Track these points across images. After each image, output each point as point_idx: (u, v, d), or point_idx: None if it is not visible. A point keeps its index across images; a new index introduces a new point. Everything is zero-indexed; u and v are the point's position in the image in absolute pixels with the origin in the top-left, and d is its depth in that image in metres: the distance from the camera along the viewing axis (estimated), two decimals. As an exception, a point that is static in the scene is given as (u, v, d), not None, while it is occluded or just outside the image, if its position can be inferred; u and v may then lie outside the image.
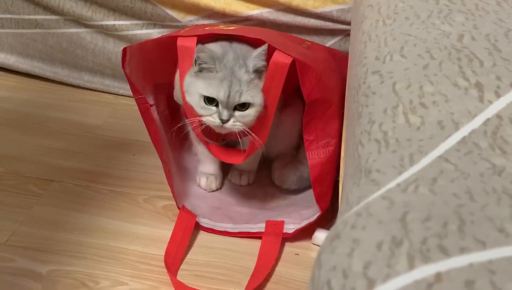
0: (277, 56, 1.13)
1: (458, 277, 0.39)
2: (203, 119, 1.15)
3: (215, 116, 1.14)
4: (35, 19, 1.62)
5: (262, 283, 1.15)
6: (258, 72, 1.14)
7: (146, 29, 1.58)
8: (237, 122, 1.14)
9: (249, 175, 1.38)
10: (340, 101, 1.23)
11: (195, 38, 1.16)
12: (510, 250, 0.41)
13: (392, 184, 0.55)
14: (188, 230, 1.23)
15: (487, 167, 0.54)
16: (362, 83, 0.78)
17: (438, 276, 0.40)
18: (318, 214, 1.23)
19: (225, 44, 1.18)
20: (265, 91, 1.15)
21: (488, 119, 0.61)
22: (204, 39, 1.18)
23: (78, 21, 1.60)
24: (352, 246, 0.45)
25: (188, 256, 1.20)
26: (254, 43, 1.17)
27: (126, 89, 1.59)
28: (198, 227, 1.26)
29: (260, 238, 1.24)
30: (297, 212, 1.28)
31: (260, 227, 1.25)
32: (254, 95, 1.14)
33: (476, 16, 0.82)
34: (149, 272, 1.16)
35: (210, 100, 1.14)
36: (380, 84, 0.73)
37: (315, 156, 1.21)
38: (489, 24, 0.79)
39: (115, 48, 1.62)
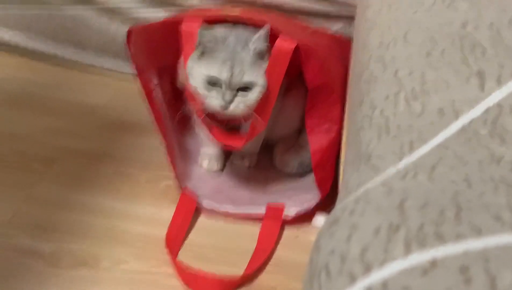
0: (281, 41, 1.14)
1: (453, 264, 0.40)
2: (207, 101, 1.15)
3: (219, 96, 1.14)
4: (40, -2, 1.63)
5: (261, 266, 1.16)
6: (260, 53, 1.14)
7: (153, 7, 1.58)
8: (240, 104, 1.15)
9: (251, 158, 1.38)
10: (343, 88, 1.23)
11: (200, 22, 1.17)
12: (505, 238, 0.42)
13: (392, 170, 0.55)
14: (189, 212, 1.24)
15: (486, 155, 0.55)
16: (365, 69, 0.78)
17: (434, 262, 0.40)
18: (318, 198, 1.24)
19: (227, 26, 1.18)
20: (268, 74, 1.15)
21: (488, 108, 0.61)
22: (208, 22, 1.18)
23: (83, 0, 1.60)
24: (350, 231, 0.46)
25: (189, 237, 1.21)
26: (258, 27, 1.18)
27: (130, 69, 1.59)
28: (199, 209, 1.27)
29: (260, 220, 1.25)
30: (298, 196, 1.29)
31: (260, 209, 1.26)
32: (257, 75, 1.13)
33: (480, 4, 0.82)
34: (150, 251, 1.17)
35: (213, 83, 1.14)
36: (382, 71, 0.73)
37: (317, 141, 1.21)
38: (493, 12, 0.79)
39: (120, 28, 1.62)
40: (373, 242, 0.44)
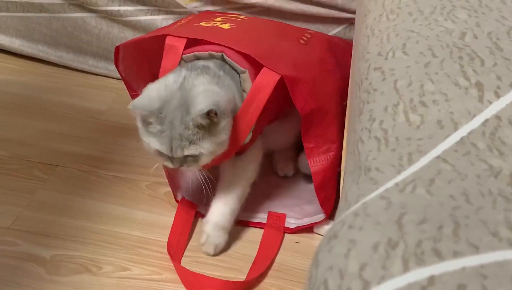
0: (262, 77, 1.10)
1: (451, 281, 0.40)
2: (161, 162, 1.12)
3: (169, 163, 1.09)
4: (40, 3, 1.63)
5: (263, 272, 1.16)
6: (202, 126, 1.05)
7: (151, 15, 1.58)
8: (191, 167, 1.10)
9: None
10: (339, 104, 1.23)
11: (184, 40, 1.15)
12: (502, 254, 0.42)
13: (390, 183, 0.56)
14: (189, 218, 1.25)
15: (484, 169, 0.55)
16: (364, 79, 0.78)
17: (431, 279, 0.41)
18: (321, 215, 1.23)
19: (174, 82, 1.08)
20: (241, 114, 1.11)
21: (487, 120, 0.62)
22: (192, 43, 1.17)
23: (83, 6, 1.61)
24: (349, 247, 0.46)
25: (191, 243, 1.22)
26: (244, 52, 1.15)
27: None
28: (199, 215, 1.27)
29: (261, 228, 1.25)
30: (299, 206, 1.29)
31: (261, 217, 1.27)
32: (199, 147, 1.06)
33: (479, 13, 0.82)
34: (151, 257, 1.17)
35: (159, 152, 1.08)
36: (381, 81, 0.74)
37: (317, 163, 1.20)
38: (492, 22, 0.80)
39: (120, 34, 1.63)
40: (372, 258, 0.44)
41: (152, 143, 1.07)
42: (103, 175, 1.36)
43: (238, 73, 1.14)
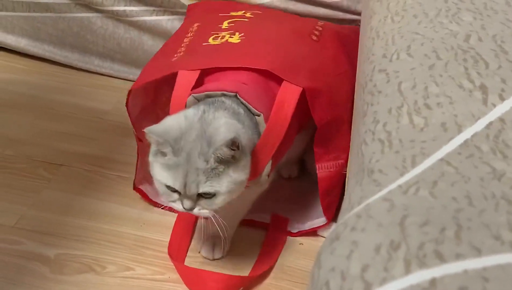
0: (283, 92, 1.06)
1: (452, 283, 0.40)
2: (169, 203, 1.04)
3: (178, 203, 1.01)
4: (46, 3, 1.63)
5: (265, 271, 1.16)
6: (224, 161, 0.97)
7: (156, 15, 1.59)
8: (203, 209, 1.01)
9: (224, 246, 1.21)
10: (350, 109, 1.20)
11: (197, 73, 1.09)
12: (504, 257, 0.42)
13: (394, 185, 0.56)
14: (190, 221, 1.23)
15: (488, 172, 0.55)
16: (369, 81, 0.78)
17: (433, 282, 0.41)
18: (322, 219, 1.23)
19: (194, 115, 1.01)
20: (269, 127, 1.05)
21: (490, 122, 0.62)
22: (206, 73, 1.11)
23: (89, 6, 1.61)
24: (351, 248, 0.46)
25: (193, 243, 1.22)
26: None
27: (135, 74, 1.60)
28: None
29: (263, 228, 1.25)
30: (302, 210, 1.28)
31: (264, 217, 1.26)
32: (217, 185, 0.97)
33: (484, 15, 0.82)
34: (155, 257, 1.18)
35: (171, 188, 1.00)
36: (386, 83, 0.74)
37: (324, 169, 1.17)
38: (497, 25, 0.80)
39: (125, 34, 1.63)
40: (374, 260, 0.44)
41: (164, 178, 0.99)
42: (107, 175, 1.37)
43: (253, 114, 1.07)
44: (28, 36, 1.69)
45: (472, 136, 0.60)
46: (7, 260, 1.14)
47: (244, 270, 1.16)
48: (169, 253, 1.16)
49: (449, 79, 0.69)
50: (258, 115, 1.06)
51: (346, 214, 0.54)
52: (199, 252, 1.19)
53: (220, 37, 1.20)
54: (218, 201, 1.00)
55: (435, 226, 0.46)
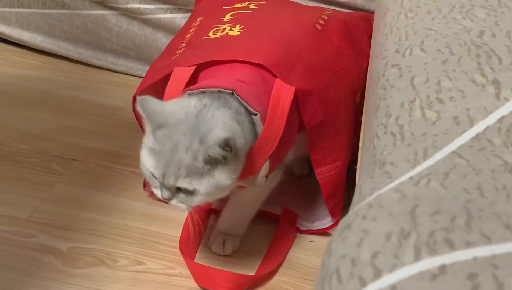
0: (277, 92, 1.02)
1: (462, 270, 0.41)
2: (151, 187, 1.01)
3: (158, 190, 0.98)
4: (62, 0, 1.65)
5: (276, 268, 1.17)
6: (214, 161, 0.94)
7: (171, 13, 1.60)
8: (180, 203, 0.98)
9: (234, 241, 1.21)
10: (350, 106, 1.18)
11: (192, 69, 1.06)
12: (514, 246, 0.42)
13: (405, 177, 0.56)
14: (202, 217, 1.21)
15: (499, 164, 0.55)
16: (381, 76, 0.79)
17: (443, 268, 0.41)
18: (330, 219, 1.23)
19: (194, 107, 0.97)
20: (260, 140, 1.01)
21: (503, 116, 0.62)
22: (203, 68, 1.08)
23: (104, 3, 1.62)
24: (361, 236, 0.47)
25: (203, 240, 1.22)
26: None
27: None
28: (213, 212, 1.27)
29: (274, 222, 1.25)
30: (312, 209, 1.27)
31: (276, 210, 1.26)
32: (197, 183, 0.94)
33: (498, 12, 0.82)
34: (166, 252, 1.18)
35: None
36: (398, 78, 0.74)
37: (324, 174, 1.15)
38: (511, 21, 0.80)
39: (140, 31, 1.64)
40: (384, 247, 0.44)
41: (148, 162, 0.96)
42: (119, 170, 1.38)
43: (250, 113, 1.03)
44: (44, 32, 1.71)
45: (484, 129, 0.60)
46: (20, 253, 1.16)
47: (253, 265, 1.16)
48: (180, 248, 1.16)
49: (462, 73, 0.69)
50: (255, 114, 1.02)
51: (357, 205, 0.55)
52: (210, 246, 1.19)
53: (220, 30, 1.17)
54: (196, 200, 0.97)
55: (446, 215, 0.47)
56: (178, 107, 0.97)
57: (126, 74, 1.71)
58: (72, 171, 1.36)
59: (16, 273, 1.12)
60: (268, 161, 1.04)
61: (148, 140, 0.97)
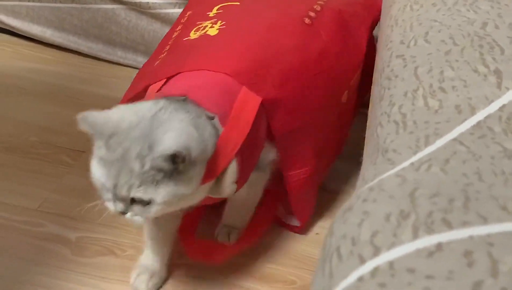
0: (242, 100, 0.97)
1: (458, 248, 0.42)
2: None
3: (111, 203, 0.90)
4: (72, -6, 1.67)
5: (281, 260, 1.18)
6: (163, 172, 0.86)
7: (179, 8, 1.61)
8: (137, 216, 0.90)
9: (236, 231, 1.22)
10: (328, 111, 1.16)
11: (162, 81, 1.01)
12: (509, 226, 0.43)
13: (406, 163, 0.57)
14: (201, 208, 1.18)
15: (499, 151, 0.56)
16: (386, 66, 0.80)
17: (439, 246, 0.42)
18: (296, 219, 1.22)
19: (148, 110, 0.90)
20: (220, 145, 0.93)
21: (504, 105, 0.63)
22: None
23: (113, -2, 1.64)
24: (362, 217, 0.48)
25: (211, 229, 1.24)
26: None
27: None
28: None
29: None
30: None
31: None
32: (152, 192, 0.86)
33: (501, 4, 0.83)
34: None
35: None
36: (403, 68, 0.75)
37: (293, 177, 1.12)
38: (514, 13, 0.81)
39: (149, 26, 1.66)
40: (383, 227, 0.46)
41: (98, 173, 0.89)
42: (128, 162, 1.39)
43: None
44: (54, 26, 1.73)
45: (485, 117, 0.61)
46: (30, 242, 1.17)
47: (251, 255, 1.18)
48: (180, 233, 1.15)
49: (464, 64, 0.70)
50: (212, 118, 0.95)
51: (360, 189, 0.56)
52: (216, 237, 1.21)
53: (201, 29, 1.12)
54: (153, 210, 0.89)
55: (444, 197, 0.48)
56: (129, 112, 0.90)
57: (135, 68, 1.72)
58: (81, 162, 1.38)
59: (26, 262, 1.13)
60: (235, 165, 0.96)
61: (99, 151, 0.90)
